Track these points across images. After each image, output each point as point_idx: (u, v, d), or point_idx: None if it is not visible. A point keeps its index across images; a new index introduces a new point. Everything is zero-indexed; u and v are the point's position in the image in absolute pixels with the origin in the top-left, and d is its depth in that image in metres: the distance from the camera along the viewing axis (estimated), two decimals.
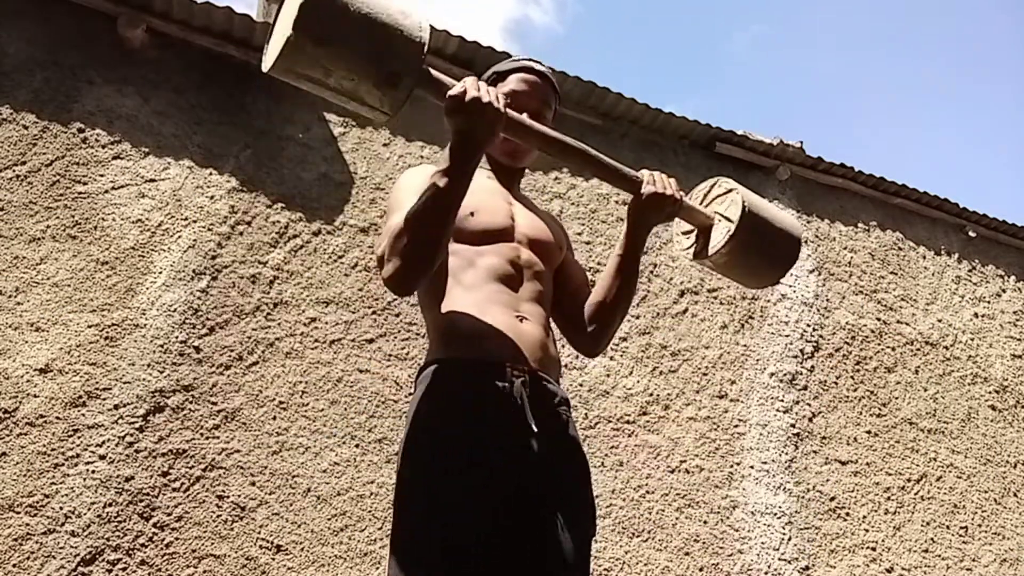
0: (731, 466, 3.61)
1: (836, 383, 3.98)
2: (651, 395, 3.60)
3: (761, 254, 1.63)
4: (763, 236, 1.62)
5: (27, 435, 2.75)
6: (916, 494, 3.91)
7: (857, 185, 4.43)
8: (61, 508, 2.71)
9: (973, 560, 3.89)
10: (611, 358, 3.59)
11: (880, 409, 4.01)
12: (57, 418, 2.80)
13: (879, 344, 4.16)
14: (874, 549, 3.71)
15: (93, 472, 2.77)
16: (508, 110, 1.40)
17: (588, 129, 3.87)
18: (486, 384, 1.39)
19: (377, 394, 3.18)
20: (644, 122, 4.05)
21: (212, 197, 3.25)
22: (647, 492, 3.43)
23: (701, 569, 3.38)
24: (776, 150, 4.21)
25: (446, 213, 1.36)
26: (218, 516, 2.86)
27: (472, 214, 1.49)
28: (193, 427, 2.93)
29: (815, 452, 3.79)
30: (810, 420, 3.84)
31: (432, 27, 3.51)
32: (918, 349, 4.24)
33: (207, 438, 2.93)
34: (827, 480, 3.76)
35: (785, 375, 3.89)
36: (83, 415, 2.83)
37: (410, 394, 3.15)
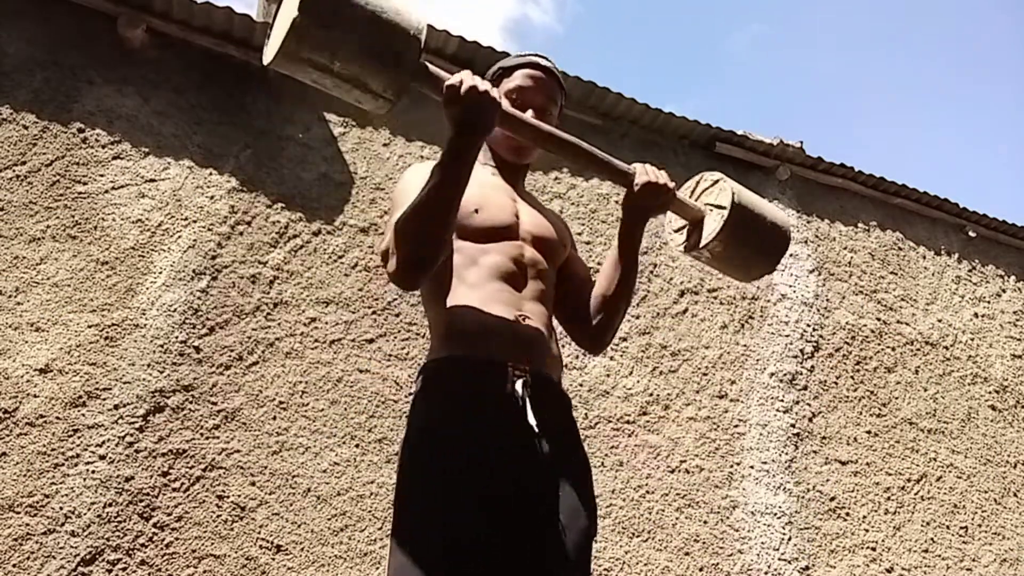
0: (731, 466, 3.61)
1: (836, 383, 3.98)
2: (651, 395, 3.60)
3: (754, 243, 1.65)
4: (755, 223, 1.63)
5: (27, 435, 2.75)
6: (916, 494, 3.91)
7: (857, 185, 4.43)
8: (61, 508, 2.71)
9: (973, 560, 3.89)
10: (611, 358, 3.59)
11: (880, 409, 4.01)
12: (57, 418, 2.80)
13: (879, 344, 4.16)
14: (874, 549, 3.71)
15: (93, 472, 2.77)
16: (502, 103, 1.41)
17: (588, 129, 3.87)
18: (487, 383, 1.39)
19: (377, 394, 3.18)
20: (644, 122, 4.05)
21: (212, 197, 3.25)
22: (647, 492, 3.43)
23: (701, 569, 3.38)
24: (776, 150, 4.21)
25: (448, 205, 1.37)
26: (218, 516, 2.86)
27: (476, 211, 1.50)
28: (193, 427, 2.93)
29: (815, 452, 3.79)
30: (810, 420, 3.84)
31: (432, 27, 3.51)
32: (918, 349, 4.24)
33: (207, 438, 2.93)
34: (827, 480, 3.76)
35: (785, 375, 3.89)
36: (83, 415, 2.83)
37: (410, 394, 3.15)
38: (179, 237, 3.16)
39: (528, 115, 1.56)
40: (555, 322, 1.62)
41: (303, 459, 3.01)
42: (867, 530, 3.74)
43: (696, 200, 1.68)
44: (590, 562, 1.40)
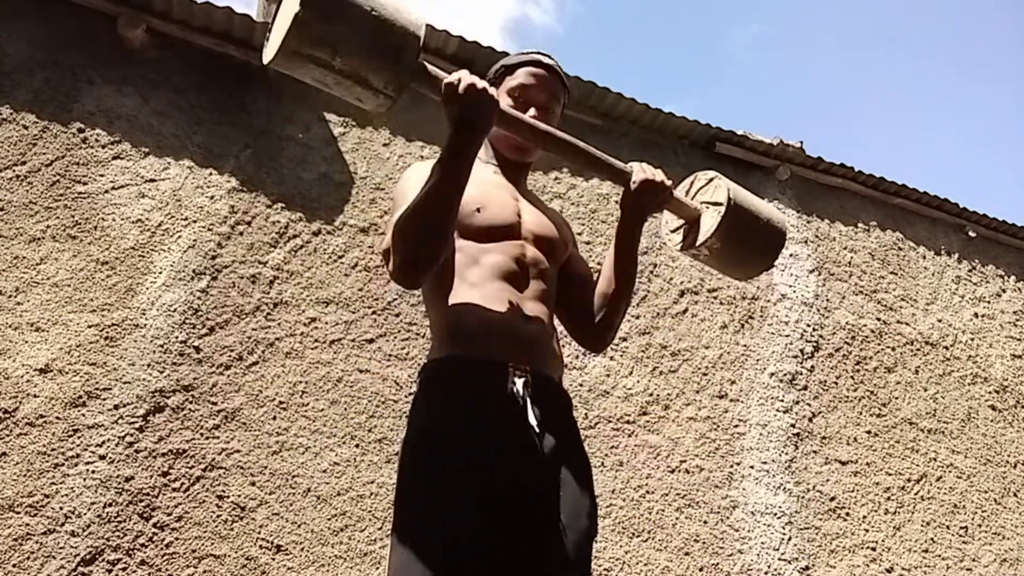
0: (731, 466, 3.61)
1: (836, 383, 3.98)
2: (651, 395, 3.60)
3: (751, 239, 1.66)
4: (751, 219, 1.64)
5: (27, 435, 2.75)
6: (916, 494, 3.91)
7: (857, 185, 4.43)
8: (61, 508, 2.71)
9: (973, 560, 3.89)
10: (611, 358, 3.59)
11: (880, 409, 4.01)
12: (57, 418, 2.80)
13: (879, 344, 4.16)
14: (874, 549, 3.71)
15: (93, 472, 2.77)
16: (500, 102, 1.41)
17: (588, 129, 3.87)
18: (487, 383, 1.39)
19: (377, 394, 3.18)
20: (644, 122, 4.05)
21: (212, 197, 3.25)
22: (647, 492, 3.43)
23: (701, 569, 3.38)
24: (776, 150, 4.21)
25: (448, 203, 1.37)
26: (218, 516, 2.86)
27: (478, 210, 1.50)
28: (193, 427, 2.93)
29: (815, 452, 3.79)
30: (810, 420, 3.84)
31: (432, 27, 3.51)
32: (918, 349, 4.24)
33: (207, 438, 2.93)
34: (827, 480, 3.76)
35: (785, 375, 3.89)
36: (83, 415, 2.83)
37: (410, 394, 3.15)
38: (179, 237, 3.16)
39: (530, 113, 1.57)
40: (556, 321, 1.62)
41: (303, 459, 3.01)
42: (867, 530, 3.74)
43: (692, 199, 1.69)
44: (590, 562, 1.40)
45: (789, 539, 3.57)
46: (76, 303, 2.95)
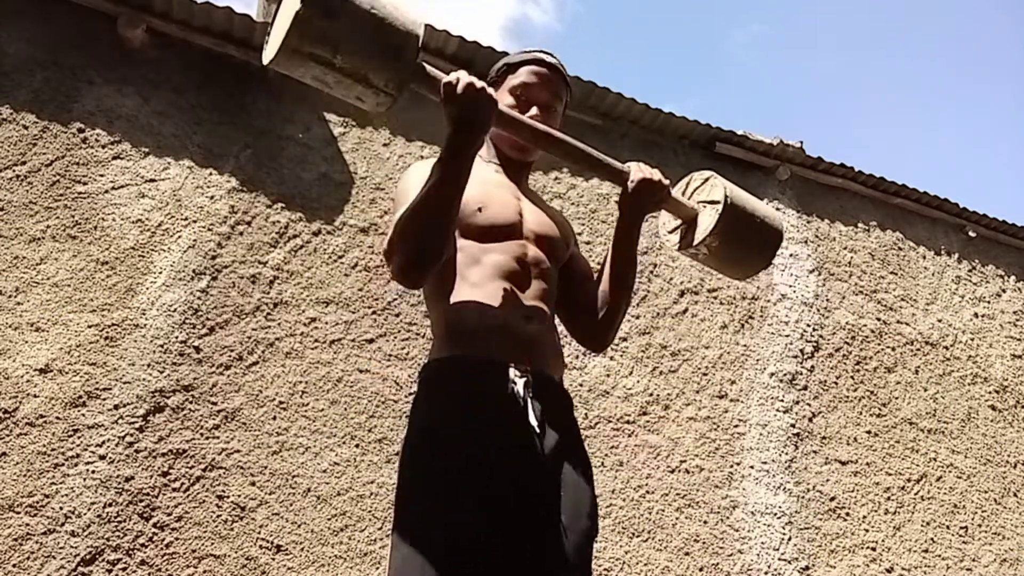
0: (731, 466, 3.61)
1: (836, 383, 3.98)
2: (651, 395, 3.60)
3: (748, 237, 1.66)
4: (748, 217, 1.65)
5: (27, 435, 2.75)
6: (916, 494, 3.91)
7: (857, 185, 4.43)
8: (61, 508, 2.71)
9: (973, 560, 3.89)
10: (611, 358, 3.59)
11: (880, 409, 4.01)
12: (57, 418, 2.79)
13: (879, 344, 4.16)
14: (874, 549, 3.71)
15: (93, 472, 2.77)
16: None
17: (588, 129, 3.87)
18: (488, 383, 1.39)
19: (377, 394, 3.18)
20: (644, 122, 4.05)
21: (212, 197, 3.25)
22: (647, 492, 3.43)
23: (701, 569, 3.38)
24: (776, 150, 4.21)
25: (449, 202, 1.37)
26: (218, 516, 2.86)
27: (480, 209, 1.50)
28: (193, 427, 2.93)
29: (815, 452, 3.79)
30: (810, 420, 3.84)
31: (432, 27, 3.51)
32: (918, 349, 4.24)
33: (207, 438, 2.93)
34: (827, 480, 3.76)
35: (785, 375, 3.89)
36: (83, 415, 2.83)
37: (411, 394, 3.15)
38: (179, 237, 3.16)
39: (532, 112, 1.57)
40: (557, 321, 1.62)
41: (303, 459, 3.01)
42: (867, 530, 3.74)
43: (689, 199, 1.69)
44: (591, 562, 1.40)
45: (789, 539, 3.57)
46: (76, 303, 2.95)
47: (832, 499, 3.73)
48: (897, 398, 4.07)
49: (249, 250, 3.23)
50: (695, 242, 1.64)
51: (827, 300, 4.15)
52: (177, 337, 3.02)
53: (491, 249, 1.49)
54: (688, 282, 3.90)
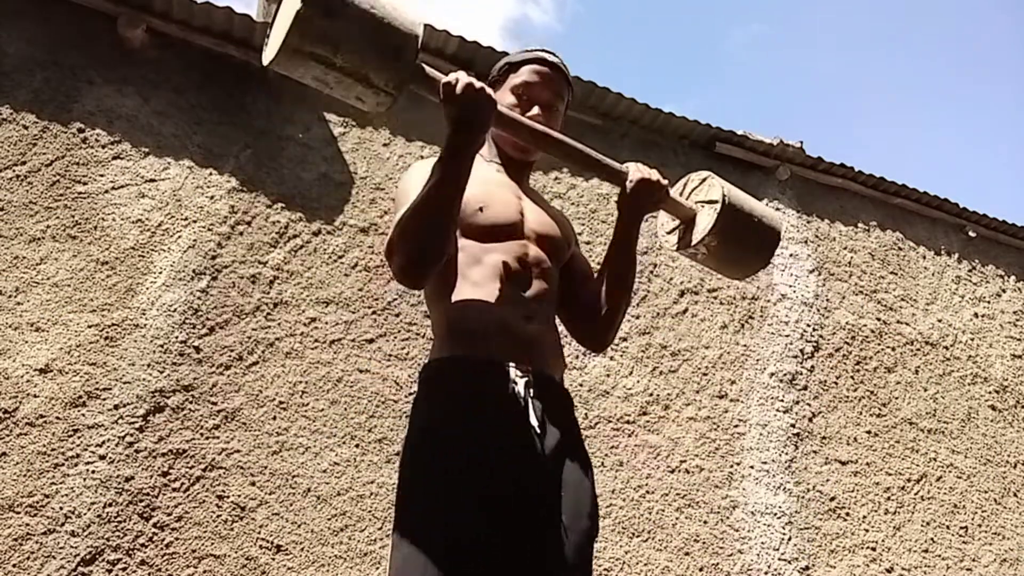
0: (731, 466, 3.61)
1: (836, 383, 3.98)
2: (651, 395, 3.60)
3: (747, 237, 1.66)
4: (746, 217, 1.65)
5: (27, 435, 2.75)
6: (916, 494, 3.91)
7: (857, 185, 4.43)
8: (61, 508, 2.71)
9: (973, 560, 3.89)
10: (611, 358, 3.59)
11: (880, 409, 4.01)
12: (57, 418, 2.79)
13: (879, 344, 4.16)
14: (874, 549, 3.71)
15: (93, 472, 2.77)
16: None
17: (588, 129, 3.87)
18: (489, 383, 1.39)
19: (377, 394, 3.18)
20: (644, 122, 4.05)
21: (212, 197, 3.25)
22: (647, 492, 3.43)
23: (701, 569, 3.38)
24: (776, 150, 4.21)
25: (449, 202, 1.37)
26: (218, 516, 2.86)
27: (481, 209, 1.49)
28: (193, 427, 2.93)
29: (815, 452, 3.79)
30: (810, 420, 3.84)
31: (432, 27, 3.51)
32: (918, 349, 4.24)
33: (207, 438, 2.93)
34: (827, 480, 3.76)
35: (785, 375, 3.89)
36: (83, 415, 2.83)
37: (411, 394, 3.15)
38: (179, 237, 3.16)
39: (534, 111, 1.57)
40: (557, 321, 1.62)
41: (303, 459, 3.01)
42: (867, 530, 3.74)
43: (687, 200, 1.70)
44: (591, 563, 1.40)
45: (789, 539, 3.57)
46: (76, 303, 2.95)
47: (832, 499, 3.73)
48: (897, 398, 4.07)
49: (249, 250, 3.23)
50: (693, 242, 1.64)
51: (827, 300, 4.15)
52: (177, 337, 3.02)
53: (492, 249, 1.49)
54: (688, 282, 3.90)
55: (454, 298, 1.46)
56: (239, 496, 2.90)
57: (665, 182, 1.59)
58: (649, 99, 4.09)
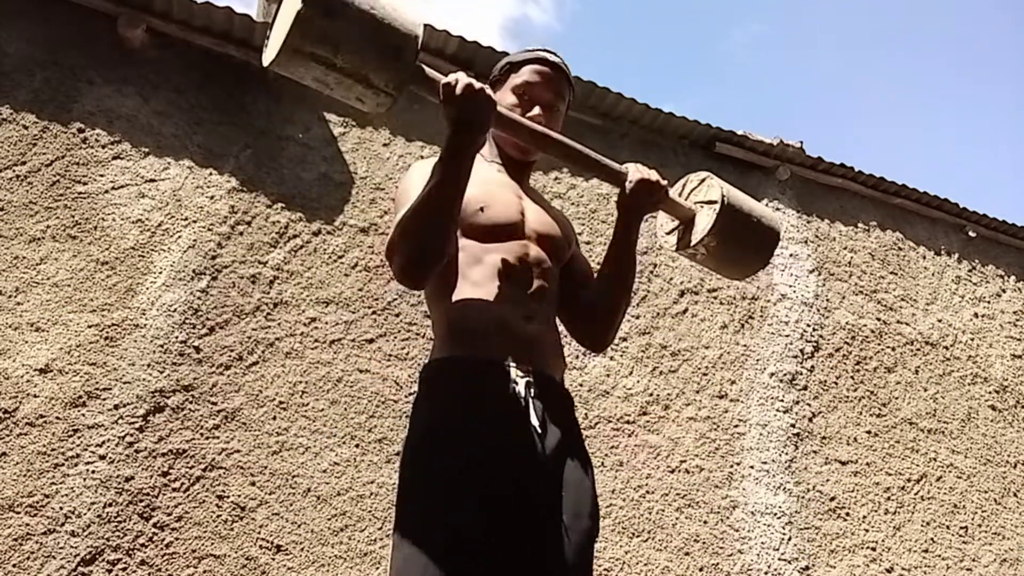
0: (731, 466, 3.61)
1: (836, 383, 3.98)
2: (651, 395, 3.60)
3: (746, 237, 1.66)
4: (746, 217, 1.65)
5: (27, 435, 2.75)
6: (916, 494, 3.91)
7: (857, 185, 4.43)
8: (61, 508, 2.71)
9: (973, 560, 3.89)
10: (611, 358, 3.59)
11: (880, 409, 4.01)
12: (57, 418, 2.79)
13: (879, 344, 4.16)
14: (874, 549, 3.71)
15: (93, 472, 2.77)
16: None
17: (588, 129, 3.87)
18: (489, 383, 1.39)
19: (377, 394, 3.18)
20: (644, 122, 4.05)
21: (212, 197, 3.25)
22: (647, 492, 3.43)
23: (701, 569, 3.38)
24: (776, 150, 4.21)
25: (449, 203, 1.37)
26: (218, 516, 2.86)
27: (482, 209, 1.49)
28: (193, 427, 2.93)
29: (815, 452, 3.79)
30: (810, 420, 3.84)
31: (432, 27, 3.51)
32: (918, 349, 4.24)
33: (207, 438, 2.93)
34: (827, 480, 3.76)
35: (785, 375, 3.89)
36: (83, 415, 2.83)
37: (410, 394, 3.16)
38: (179, 237, 3.16)
39: (535, 111, 1.57)
40: (557, 321, 1.62)
41: (303, 459, 3.01)
42: (867, 530, 3.74)
43: (686, 200, 1.70)
44: (592, 563, 1.40)
45: (789, 539, 3.57)
46: (76, 303, 2.95)
47: (832, 499, 3.73)
48: (897, 398, 4.07)
49: (249, 250, 3.23)
50: (693, 242, 1.64)
51: (827, 300, 4.15)
52: (177, 337, 3.02)
53: (493, 249, 1.49)
54: (688, 282, 3.90)
55: (454, 298, 1.46)
56: (239, 496, 2.90)
57: (664, 183, 1.59)
58: (649, 99, 4.10)
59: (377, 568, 2.95)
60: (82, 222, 3.06)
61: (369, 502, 3.03)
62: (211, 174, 3.28)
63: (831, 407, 3.91)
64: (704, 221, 1.63)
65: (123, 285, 3.03)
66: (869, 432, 3.94)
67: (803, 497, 3.68)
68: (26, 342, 2.85)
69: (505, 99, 1.58)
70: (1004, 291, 4.67)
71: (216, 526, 2.84)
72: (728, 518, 3.51)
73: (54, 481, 2.73)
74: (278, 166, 3.38)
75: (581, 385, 3.48)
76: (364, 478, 3.05)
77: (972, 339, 4.42)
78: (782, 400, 3.82)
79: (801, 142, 4.24)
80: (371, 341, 3.25)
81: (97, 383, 2.88)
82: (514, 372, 1.40)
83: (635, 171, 1.58)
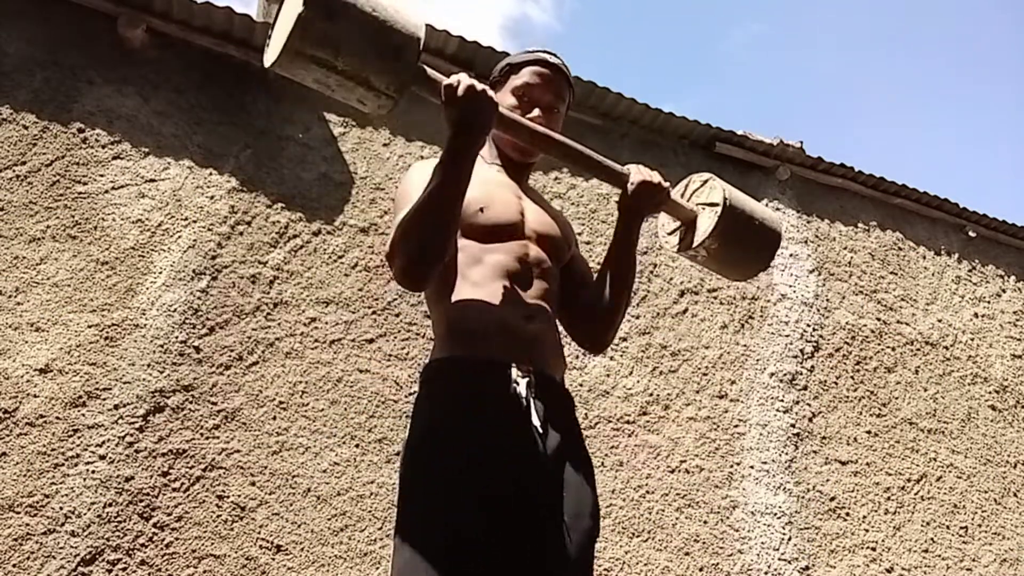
0: (731, 466, 3.61)
1: (836, 383, 3.98)
2: (651, 395, 3.60)
3: (747, 239, 1.66)
4: (747, 219, 1.65)
5: (27, 435, 2.75)
6: (916, 494, 3.91)
7: (857, 185, 4.43)
8: (61, 508, 2.71)
9: (973, 560, 3.89)
10: (611, 358, 3.59)
11: (880, 409, 4.01)
12: (57, 418, 2.79)
13: (879, 344, 4.16)
14: (874, 549, 3.71)
15: (93, 472, 2.77)
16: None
17: (588, 129, 3.87)
18: (490, 383, 1.39)
19: (377, 394, 3.18)
20: (644, 122, 4.05)
21: (212, 197, 3.25)
22: (647, 492, 3.43)
23: (701, 569, 3.38)
24: (776, 150, 4.21)
25: (450, 204, 1.37)
26: (218, 516, 2.86)
27: (481, 209, 1.49)
28: (193, 427, 2.93)
29: (815, 452, 3.79)
30: (810, 420, 3.84)
31: (432, 27, 3.51)
32: (918, 349, 4.24)
33: (207, 438, 2.93)
34: (827, 480, 3.76)
35: (785, 375, 3.89)
36: (83, 415, 2.83)
37: (411, 394, 3.16)
38: (179, 237, 3.16)
39: (535, 113, 1.57)
40: (556, 321, 1.62)
41: (303, 459, 3.01)
42: (867, 530, 3.74)
43: (687, 201, 1.70)
44: (592, 563, 1.40)
45: (789, 539, 3.57)
46: (76, 303, 2.95)
47: (832, 499, 3.73)
48: (897, 398, 4.07)
49: (249, 250, 3.23)
50: (694, 244, 1.64)
51: (827, 300, 4.15)
52: (177, 337, 3.02)
53: (493, 249, 1.49)
54: (688, 282, 3.90)
55: (454, 298, 1.46)
56: (239, 496, 2.90)
57: (667, 185, 1.59)
58: (649, 99, 4.10)
59: (377, 568, 2.95)
60: (82, 222, 3.06)
61: (369, 502, 3.03)
62: (211, 174, 3.28)
63: (831, 407, 3.92)
64: (706, 223, 1.63)
65: (123, 285, 3.03)
66: (869, 432, 3.94)
67: (803, 497, 3.68)
68: (26, 342, 2.85)
69: (505, 101, 1.58)
70: (1004, 291, 4.67)
71: (216, 526, 2.84)
72: (728, 518, 3.51)
73: (54, 481, 2.73)
74: (278, 166, 3.38)
75: (581, 385, 3.48)
76: (364, 478, 3.05)
77: (972, 339, 4.42)
78: (782, 400, 3.82)
79: (801, 142, 4.24)
80: (371, 341, 3.25)
81: (97, 383, 2.88)
82: (515, 372, 1.40)
83: (637, 173, 1.58)
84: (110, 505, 2.76)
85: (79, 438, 2.80)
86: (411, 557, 1.29)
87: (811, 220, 4.31)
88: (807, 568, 3.56)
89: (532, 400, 1.39)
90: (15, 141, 3.06)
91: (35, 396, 2.79)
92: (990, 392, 4.32)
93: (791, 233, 4.21)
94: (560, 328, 1.62)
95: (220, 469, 2.91)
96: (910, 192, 4.47)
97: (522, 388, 1.39)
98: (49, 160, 3.09)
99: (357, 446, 3.09)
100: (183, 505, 2.83)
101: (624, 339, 3.65)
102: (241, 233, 3.24)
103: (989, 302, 4.58)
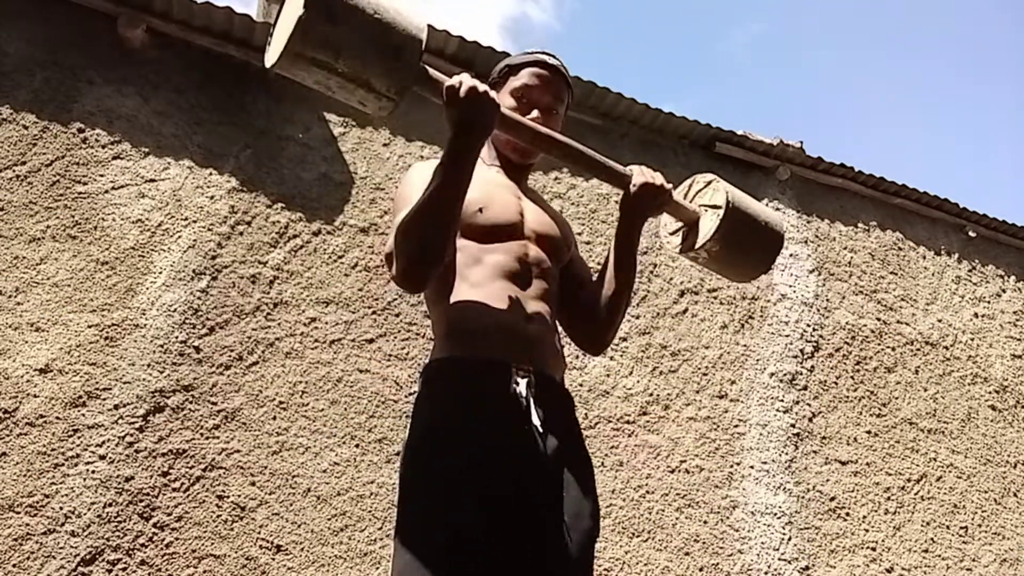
0: (731, 466, 3.61)
1: (836, 383, 3.98)
2: (651, 395, 3.60)
3: (750, 241, 1.66)
4: (750, 221, 1.65)
5: (27, 435, 2.75)
6: (916, 494, 3.91)
7: (857, 185, 4.43)
8: (61, 508, 2.71)
9: (973, 560, 3.89)
10: (611, 358, 3.59)
11: (880, 409, 4.01)
12: (57, 418, 2.79)
13: (879, 344, 4.16)
14: (874, 549, 3.71)
15: (93, 472, 2.77)
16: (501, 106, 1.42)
17: (588, 129, 3.87)
18: (490, 384, 1.39)
19: (377, 394, 3.18)
20: (644, 122, 4.05)
21: (212, 197, 3.25)
22: (647, 492, 3.43)
23: (701, 569, 3.38)
24: (776, 150, 4.21)
25: (450, 206, 1.37)
26: (218, 516, 2.86)
27: (481, 210, 1.49)
28: (193, 427, 2.93)
29: (815, 452, 3.79)
30: (810, 420, 3.84)
31: (432, 27, 3.51)
32: (918, 349, 4.24)
33: (207, 438, 2.93)
34: (827, 480, 3.76)
35: (785, 375, 3.89)
36: (83, 415, 2.83)
37: (411, 394, 3.16)
38: (179, 237, 3.16)
39: (534, 114, 1.57)
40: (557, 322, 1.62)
41: (303, 459, 3.01)
42: (867, 530, 3.74)
43: (690, 202, 1.69)
44: (592, 563, 1.40)
45: (789, 539, 3.57)
46: (76, 303, 2.95)
47: (832, 499, 3.73)
48: (897, 398, 4.07)
49: (249, 250, 3.23)
50: (696, 246, 1.64)
51: (827, 300, 4.15)
52: (177, 337, 3.02)
53: (492, 249, 1.49)
54: (688, 282, 3.90)
55: (454, 298, 1.46)
56: (239, 496, 2.90)
57: (669, 186, 1.59)
58: (649, 99, 4.10)
59: (377, 568, 2.95)
60: (82, 222, 3.06)
61: (369, 502, 3.03)
62: (211, 174, 3.28)
63: (831, 407, 3.92)
64: (708, 225, 1.63)
65: (123, 285, 3.03)
66: (869, 432, 3.94)
67: (803, 497, 3.68)
68: (26, 342, 2.85)
69: (503, 102, 1.58)
70: (1004, 291, 4.67)
71: (216, 526, 2.85)
72: (728, 518, 3.51)
73: (54, 481, 2.73)
74: (278, 166, 3.38)
75: (581, 385, 3.48)
76: (364, 478, 3.05)
77: (972, 339, 4.42)
78: (782, 400, 3.82)
79: (801, 142, 4.24)
80: (371, 341, 3.26)
81: (97, 383, 2.88)
82: (514, 372, 1.40)
83: (639, 174, 1.57)
84: (110, 505, 2.76)
85: (79, 438, 2.80)
86: (411, 557, 1.29)
87: (811, 220, 4.31)
88: (807, 568, 3.56)
89: (532, 400, 1.39)
90: (15, 141, 3.06)
91: (35, 396, 2.79)
92: (990, 392, 4.32)
93: (791, 233, 4.21)
94: (559, 328, 1.62)
95: (220, 469, 2.91)
96: (910, 192, 4.47)
97: (522, 388, 1.39)
98: (49, 160, 3.09)
99: (357, 446, 3.09)
100: (183, 505, 2.84)
101: (624, 339, 3.65)
102: (241, 233, 3.24)
103: (989, 302, 4.59)
